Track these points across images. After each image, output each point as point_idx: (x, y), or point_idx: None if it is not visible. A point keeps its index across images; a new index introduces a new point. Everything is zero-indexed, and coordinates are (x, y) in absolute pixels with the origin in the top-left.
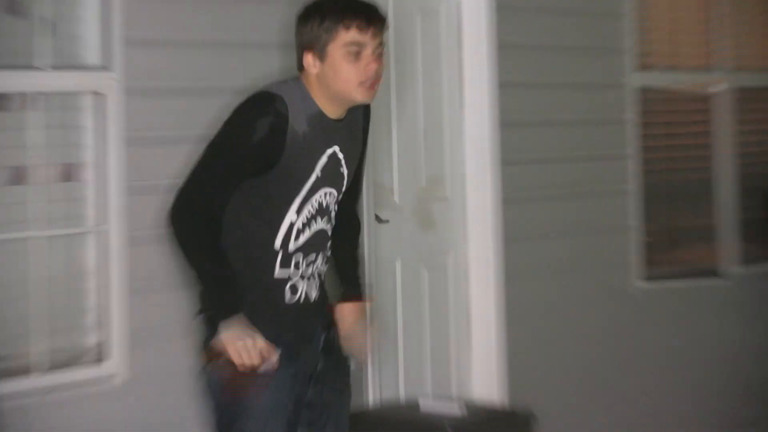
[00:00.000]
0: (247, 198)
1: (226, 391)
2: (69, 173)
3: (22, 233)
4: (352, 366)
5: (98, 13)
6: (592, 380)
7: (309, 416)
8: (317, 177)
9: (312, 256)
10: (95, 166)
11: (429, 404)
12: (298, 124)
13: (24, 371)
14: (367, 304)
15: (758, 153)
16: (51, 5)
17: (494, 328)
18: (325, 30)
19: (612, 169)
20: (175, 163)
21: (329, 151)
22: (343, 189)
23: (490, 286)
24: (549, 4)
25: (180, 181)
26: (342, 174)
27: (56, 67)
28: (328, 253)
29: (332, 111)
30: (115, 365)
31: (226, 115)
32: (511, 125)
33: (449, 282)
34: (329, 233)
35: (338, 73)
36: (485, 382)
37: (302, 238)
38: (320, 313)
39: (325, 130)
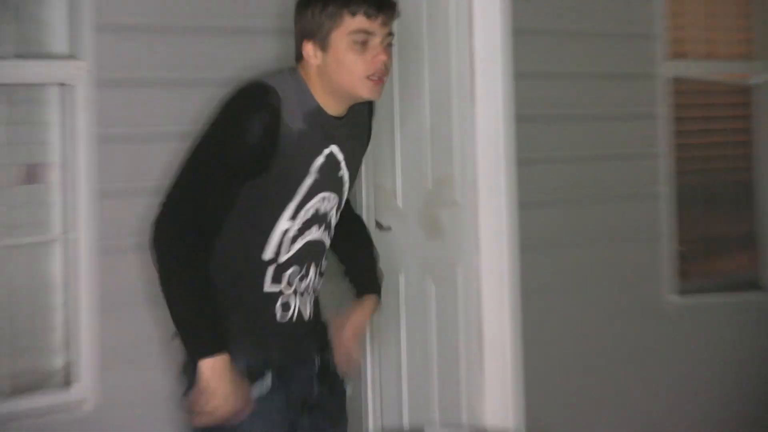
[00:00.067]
0: (233, 206)
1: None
2: (33, 175)
3: None
4: (349, 391)
5: None
6: (617, 406)
7: None
8: (314, 180)
9: (305, 269)
10: (62, 167)
11: None
12: (292, 119)
13: None
14: (375, 305)
15: None
16: None
17: (509, 348)
18: (329, 16)
19: (641, 170)
20: (153, 164)
21: (326, 151)
22: (345, 195)
23: (505, 302)
24: None
25: (162, 194)
26: (341, 178)
27: (19, 56)
28: (324, 268)
29: (333, 107)
30: (84, 389)
31: (211, 110)
32: (527, 120)
33: (459, 297)
34: (326, 245)
35: (342, 65)
36: (499, 407)
37: (295, 250)
38: (315, 333)
39: (323, 127)
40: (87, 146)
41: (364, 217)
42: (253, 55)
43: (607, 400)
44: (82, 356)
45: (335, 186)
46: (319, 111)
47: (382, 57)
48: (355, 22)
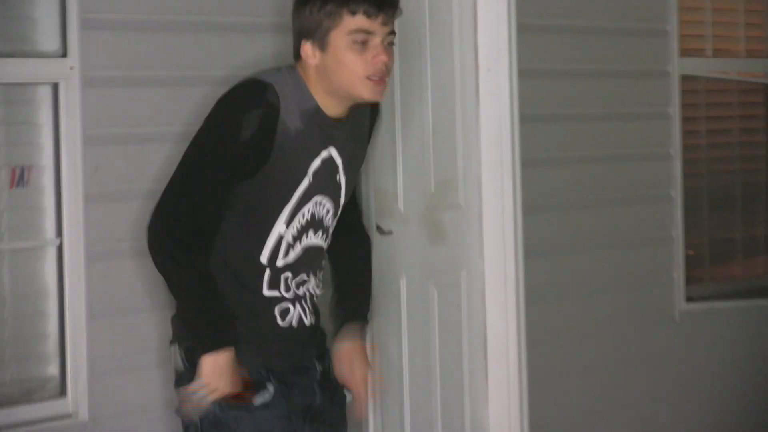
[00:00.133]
0: (230, 207)
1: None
2: (19, 178)
3: None
4: (349, 397)
5: None
6: (624, 413)
7: None
8: (309, 183)
9: (303, 276)
10: (48, 169)
11: None
12: (290, 118)
13: None
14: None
15: None
16: None
17: (513, 354)
18: (327, 14)
19: (652, 172)
20: (144, 166)
21: (324, 154)
22: (342, 201)
23: (509, 307)
24: None
25: (158, 193)
26: (338, 183)
27: (3, 54)
28: (322, 274)
29: (332, 108)
30: (78, 399)
31: (207, 108)
32: (533, 120)
33: (462, 302)
34: (324, 250)
35: (341, 65)
36: (503, 414)
37: (292, 254)
38: (315, 340)
39: (321, 129)
40: (74, 148)
41: (364, 221)
42: (248, 52)
43: (614, 408)
44: (76, 365)
45: (332, 190)
46: (317, 111)
47: (383, 57)
48: (354, 22)
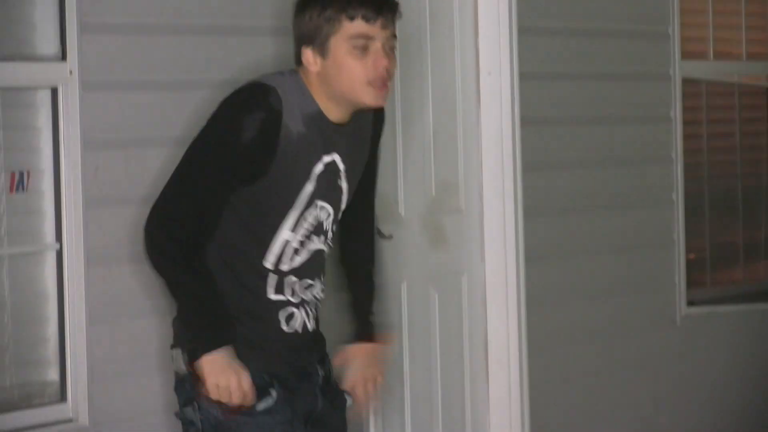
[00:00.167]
0: (233, 211)
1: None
2: (18, 182)
3: None
4: (349, 401)
5: None
6: (626, 418)
7: None
8: (314, 187)
9: (309, 280)
10: (48, 174)
11: None
12: (292, 122)
13: None
14: (381, 346)
15: None
16: None
17: (515, 359)
18: (326, 20)
19: (654, 175)
20: (144, 170)
21: (327, 159)
22: (341, 207)
23: (511, 312)
24: None
25: (156, 194)
26: (340, 188)
27: (2, 58)
28: (324, 279)
29: (335, 114)
30: (78, 404)
31: (207, 112)
32: (535, 123)
33: (463, 306)
34: (326, 255)
35: (342, 71)
36: (504, 420)
37: (298, 259)
38: (316, 344)
39: (323, 133)
40: (77, 152)
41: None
42: (247, 56)
43: (615, 412)
44: (76, 369)
45: (333, 196)
46: (320, 115)
47: (383, 62)
48: (353, 27)
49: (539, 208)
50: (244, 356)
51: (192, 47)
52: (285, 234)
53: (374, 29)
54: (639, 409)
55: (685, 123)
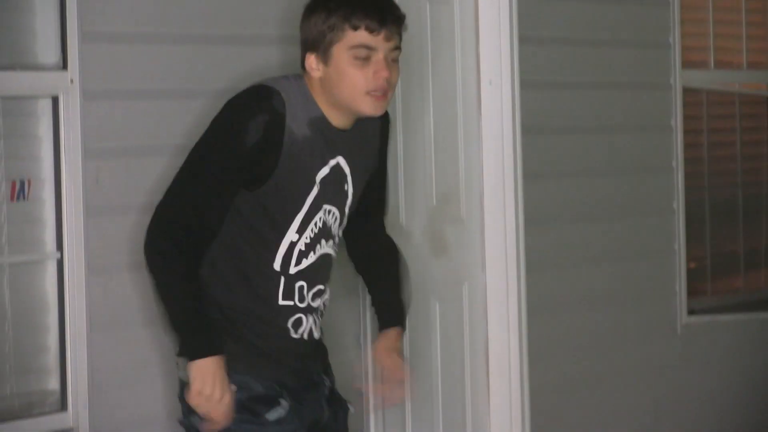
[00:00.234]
0: (241, 215)
1: None
2: (19, 191)
3: None
4: (352, 410)
5: (53, 1)
6: (628, 429)
7: None
8: (320, 190)
9: (318, 286)
10: (48, 182)
11: None
12: (296, 125)
13: None
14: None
15: None
16: None
17: (516, 370)
18: (330, 28)
19: (654, 184)
20: (145, 179)
21: (332, 162)
22: (347, 212)
23: (512, 321)
24: None
25: (157, 203)
26: (346, 193)
27: (3, 67)
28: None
29: (337, 120)
30: (78, 413)
31: (208, 121)
32: (535, 132)
33: (464, 316)
34: (333, 260)
35: (343, 80)
36: (505, 429)
37: (305, 263)
38: (319, 354)
39: (327, 137)
40: (78, 161)
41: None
42: (248, 64)
43: (616, 420)
44: (76, 378)
45: (339, 200)
46: (323, 120)
47: (384, 73)
48: (356, 37)
49: (540, 217)
50: (255, 366)
51: (193, 56)
52: (291, 236)
53: (377, 40)
54: (639, 417)
55: (686, 132)
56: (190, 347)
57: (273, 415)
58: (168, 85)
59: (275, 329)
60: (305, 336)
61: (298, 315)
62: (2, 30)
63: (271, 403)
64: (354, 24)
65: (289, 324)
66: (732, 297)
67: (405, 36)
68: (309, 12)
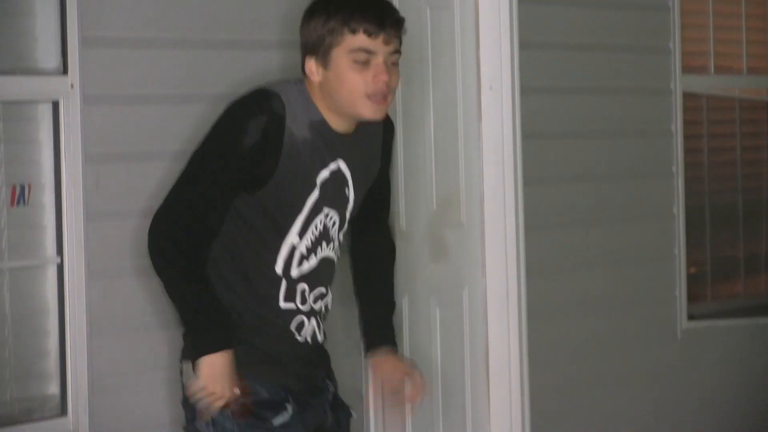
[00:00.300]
0: (242, 218)
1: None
2: (19, 196)
3: None
4: (354, 415)
5: (53, 6)
6: None
7: None
8: (320, 194)
9: (322, 289)
10: (49, 187)
11: None
12: (296, 127)
13: None
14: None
15: None
16: None
17: (516, 374)
18: (329, 32)
19: (654, 189)
20: (145, 184)
21: (333, 166)
22: (348, 215)
23: (512, 326)
24: None
25: (157, 207)
26: (347, 197)
27: (3, 72)
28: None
29: (337, 124)
30: (76, 419)
31: (208, 126)
32: (536, 137)
33: (464, 320)
34: (335, 263)
35: (342, 84)
36: None
37: (307, 266)
38: (323, 359)
39: (328, 141)
40: (78, 165)
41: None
42: (248, 70)
43: (616, 425)
44: (77, 383)
45: (339, 203)
46: (323, 124)
47: (383, 77)
48: (355, 41)
49: (540, 222)
50: (261, 370)
51: (193, 60)
52: (292, 239)
53: (376, 44)
54: (639, 422)
55: (686, 137)
56: (197, 344)
57: (278, 420)
58: (168, 90)
59: (278, 331)
60: (309, 339)
61: (300, 318)
62: (3, 35)
63: (277, 408)
64: (353, 27)
65: (293, 327)
66: (732, 302)
67: (405, 40)
68: (308, 16)
